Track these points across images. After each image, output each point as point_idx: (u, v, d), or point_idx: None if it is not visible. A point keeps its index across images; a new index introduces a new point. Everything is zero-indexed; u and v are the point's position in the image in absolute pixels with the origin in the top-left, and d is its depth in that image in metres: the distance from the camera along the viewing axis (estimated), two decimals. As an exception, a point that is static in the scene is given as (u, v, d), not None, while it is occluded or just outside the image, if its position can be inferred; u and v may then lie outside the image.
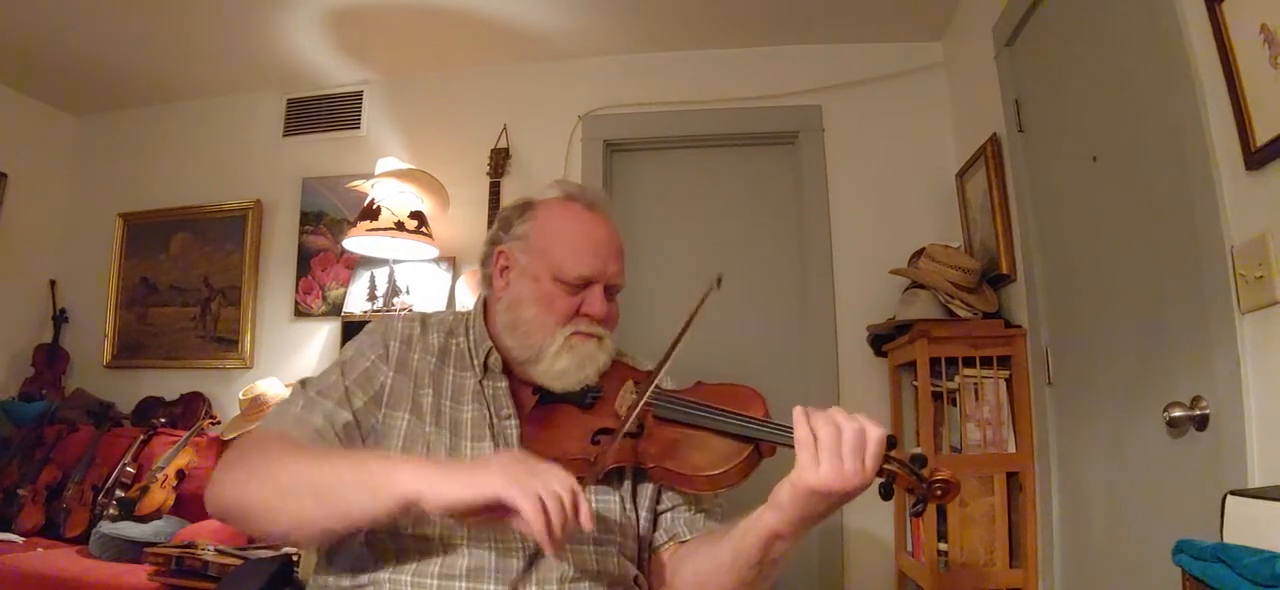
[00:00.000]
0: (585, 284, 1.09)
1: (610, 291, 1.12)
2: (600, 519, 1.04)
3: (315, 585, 1.03)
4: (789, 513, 0.87)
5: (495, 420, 1.08)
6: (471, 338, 1.14)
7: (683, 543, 1.09)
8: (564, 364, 1.07)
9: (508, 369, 1.12)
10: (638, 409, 1.01)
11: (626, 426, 1.00)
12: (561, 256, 1.09)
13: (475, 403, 1.09)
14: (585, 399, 1.09)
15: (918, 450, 0.87)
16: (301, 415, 1.01)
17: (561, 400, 1.09)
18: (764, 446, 0.94)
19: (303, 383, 1.07)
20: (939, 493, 0.84)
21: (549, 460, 1.02)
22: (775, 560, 0.93)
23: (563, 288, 1.08)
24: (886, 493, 0.86)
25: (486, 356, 1.11)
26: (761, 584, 0.96)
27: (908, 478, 0.85)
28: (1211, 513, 1.01)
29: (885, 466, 0.85)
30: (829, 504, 0.86)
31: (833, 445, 0.83)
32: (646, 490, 1.12)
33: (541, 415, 1.09)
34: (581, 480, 1.05)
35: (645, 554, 1.10)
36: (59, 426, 2.83)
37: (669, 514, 1.12)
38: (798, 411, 0.87)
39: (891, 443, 0.86)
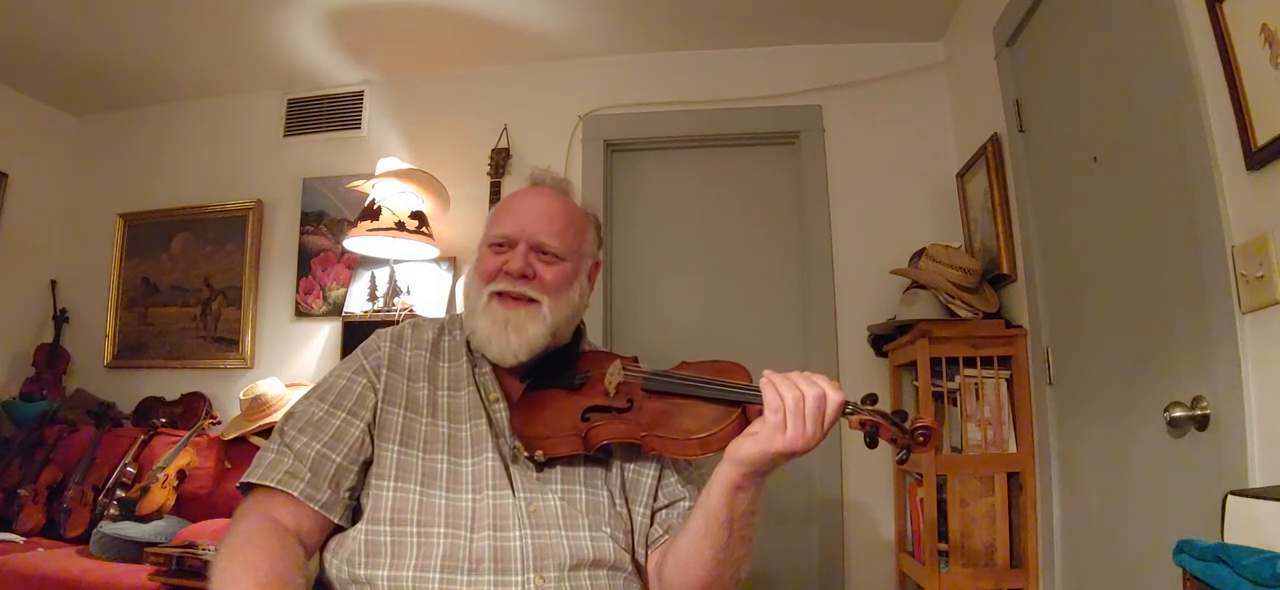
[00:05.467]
0: (509, 243, 1.13)
1: (541, 253, 1.13)
2: (591, 510, 1.06)
3: (318, 582, 1.03)
4: (749, 468, 0.94)
5: (486, 402, 1.11)
6: (464, 329, 1.18)
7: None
8: (484, 328, 1.10)
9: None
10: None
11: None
12: (491, 223, 1.18)
13: (470, 387, 1.12)
14: (573, 382, 1.12)
15: (901, 408, 0.95)
16: (274, 461, 1.01)
17: (550, 386, 1.12)
18: (751, 409, 0.98)
19: (287, 416, 1.07)
20: (921, 439, 0.91)
21: (542, 437, 1.03)
22: (743, 515, 0.98)
23: (490, 250, 1.14)
24: (871, 442, 0.94)
25: (468, 341, 1.16)
26: (736, 546, 0.99)
27: (890, 428, 0.92)
28: (1212, 513, 1.01)
29: (868, 419, 0.93)
30: (787, 460, 0.93)
31: (797, 410, 0.90)
32: (643, 485, 1.13)
33: (530, 400, 1.12)
34: (573, 459, 1.06)
35: (644, 549, 1.11)
36: (60, 426, 2.83)
37: (665, 510, 1.13)
38: (765, 379, 0.94)
39: (873, 398, 0.95)
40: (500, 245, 1.13)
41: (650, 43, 2.90)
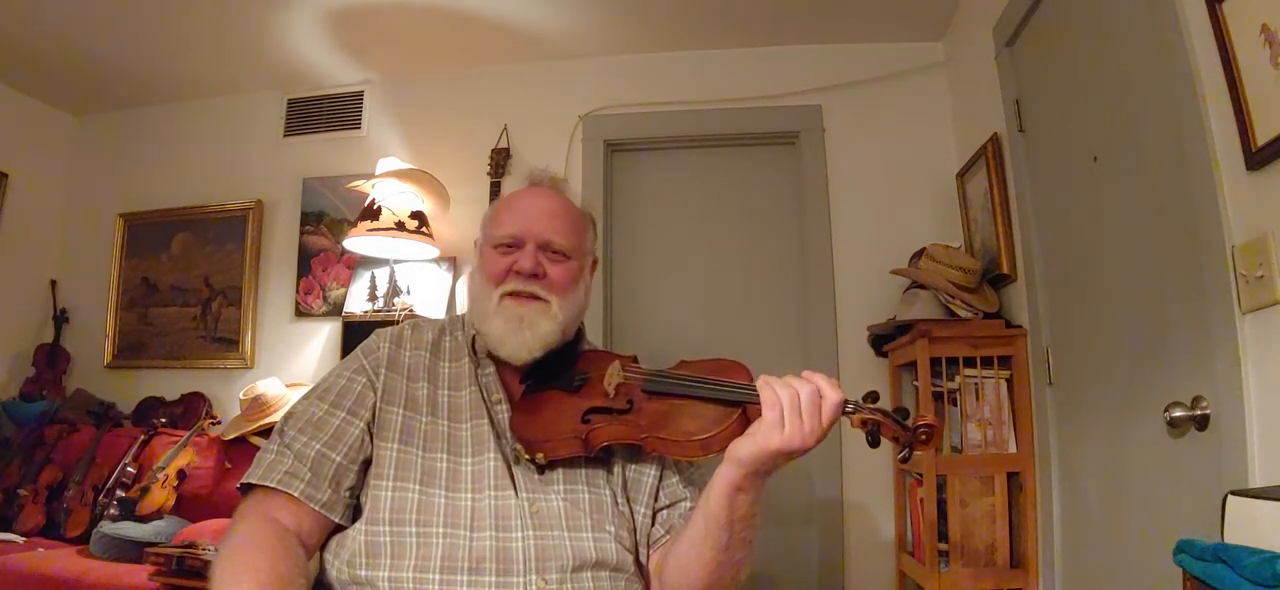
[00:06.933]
0: (516, 243, 1.14)
1: (549, 252, 1.14)
2: (595, 510, 1.06)
3: (318, 583, 1.03)
4: (749, 468, 0.94)
5: (488, 403, 1.11)
6: (466, 330, 1.18)
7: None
8: (499, 328, 1.11)
9: (495, 356, 1.15)
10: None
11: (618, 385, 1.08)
12: (494, 224, 1.18)
13: (471, 387, 1.12)
14: (573, 383, 1.12)
15: (902, 406, 0.94)
16: (274, 462, 1.01)
17: (549, 387, 1.12)
18: (751, 409, 0.97)
19: (286, 417, 1.07)
20: (923, 437, 0.90)
21: (543, 440, 1.03)
22: (743, 517, 0.97)
23: (496, 251, 1.15)
24: (873, 441, 0.93)
25: (473, 342, 1.16)
26: (736, 548, 0.99)
27: (892, 427, 0.91)
28: (1212, 513, 1.01)
29: (870, 418, 0.92)
30: (787, 459, 0.93)
31: (793, 408, 0.90)
32: (644, 484, 1.13)
33: (530, 402, 1.12)
34: (575, 460, 1.06)
35: (645, 549, 1.11)
36: (60, 426, 2.83)
37: (666, 510, 1.13)
38: (763, 380, 0.94)
39: (874, 397, 0.94)
40: (507, 246, 1.14)
41: (650, 43, 2.90)
